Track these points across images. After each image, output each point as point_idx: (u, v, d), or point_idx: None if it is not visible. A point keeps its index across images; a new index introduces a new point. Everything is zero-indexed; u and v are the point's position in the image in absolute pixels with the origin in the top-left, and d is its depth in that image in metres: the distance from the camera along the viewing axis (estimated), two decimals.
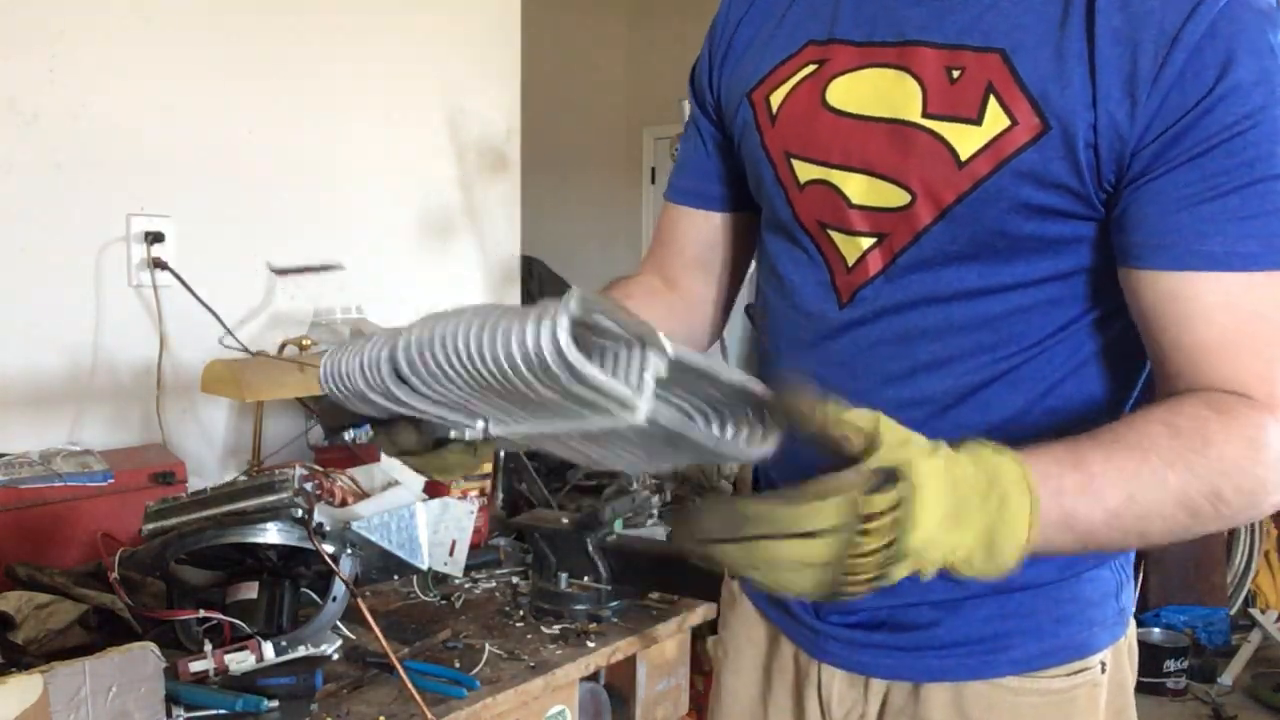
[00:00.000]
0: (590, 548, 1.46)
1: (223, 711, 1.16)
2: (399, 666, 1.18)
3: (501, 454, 1.92)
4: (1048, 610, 0.86)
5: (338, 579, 1.30)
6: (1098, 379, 0.83)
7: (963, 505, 0.60)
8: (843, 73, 0.85)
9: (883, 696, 0.91)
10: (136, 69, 1.89)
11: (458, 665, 1.31)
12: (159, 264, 1.89)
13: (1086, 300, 0.81)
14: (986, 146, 0.76)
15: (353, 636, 1.37)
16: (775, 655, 0.99)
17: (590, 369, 0.55)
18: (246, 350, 1.97)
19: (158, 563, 1.30)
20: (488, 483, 1.82)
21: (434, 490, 1.62)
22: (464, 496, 1.73)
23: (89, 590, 1.35)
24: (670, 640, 1.54)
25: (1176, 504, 0.67)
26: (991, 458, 0.63)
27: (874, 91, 0.82)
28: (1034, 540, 0.62)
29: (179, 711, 1.14)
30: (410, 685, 1.16)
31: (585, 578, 1.47)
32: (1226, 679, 3.17)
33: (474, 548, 1.62)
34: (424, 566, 1.45)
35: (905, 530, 0.58)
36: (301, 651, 1.28)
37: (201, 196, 1.98)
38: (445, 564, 1.51)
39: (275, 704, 1.17)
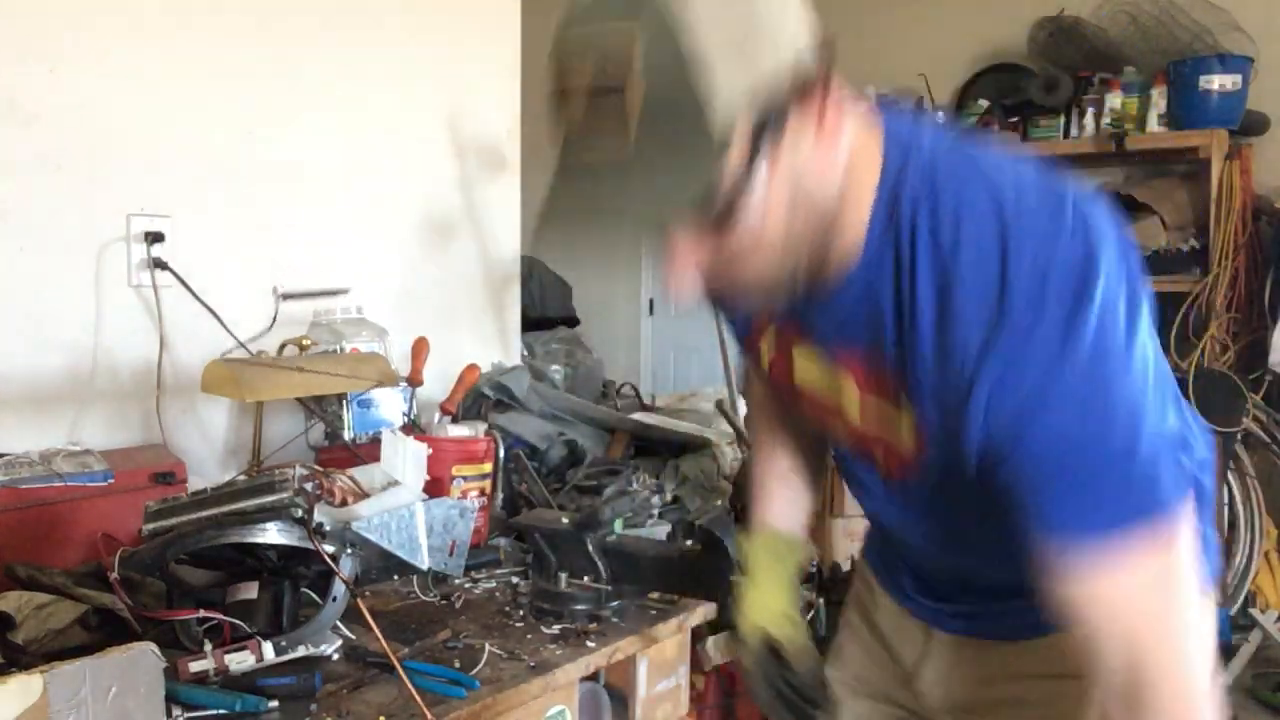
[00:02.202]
0: (590, 548, 1.46)
1: (223, 711, 1.16)
2: (399, 666, 1.18)
3: (502, 453, 1.92)
4: None
5: (338, 579, 1.30)
6: None
7: None
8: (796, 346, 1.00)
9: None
10: (136, 69, 1.89)
11: (458, 665, 1.31)
12: (159, 264, 1.89)
13: None
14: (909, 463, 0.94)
15: (353, 636, 1.37)
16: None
17: None
18: (247, 350, 1.97)
19: (158, 563, 1.30)
20: (488, 483, 1.82)
21: (434, 490, 1.62)
22: (464, 496, 1.73)
23: (89, 590, 1.35)
24: (670, 640, 1.54)
25: None
26: None
27: (823, 388, 0.99)
28: None
29: (179, 711, 1.14)
30: (410, 685, 1.16)
31: (585, 578, 1.47)
32: (1226, 679, 3.17)
33: (474, 548, 1.62)
34: (424, 566, 1.45)
35: None
36: (301, 651, 1.27)
37: (201, 196, 1.98)
38: (445, 564, 1.51)
39: (275, 704, 1.17)
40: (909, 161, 0.85)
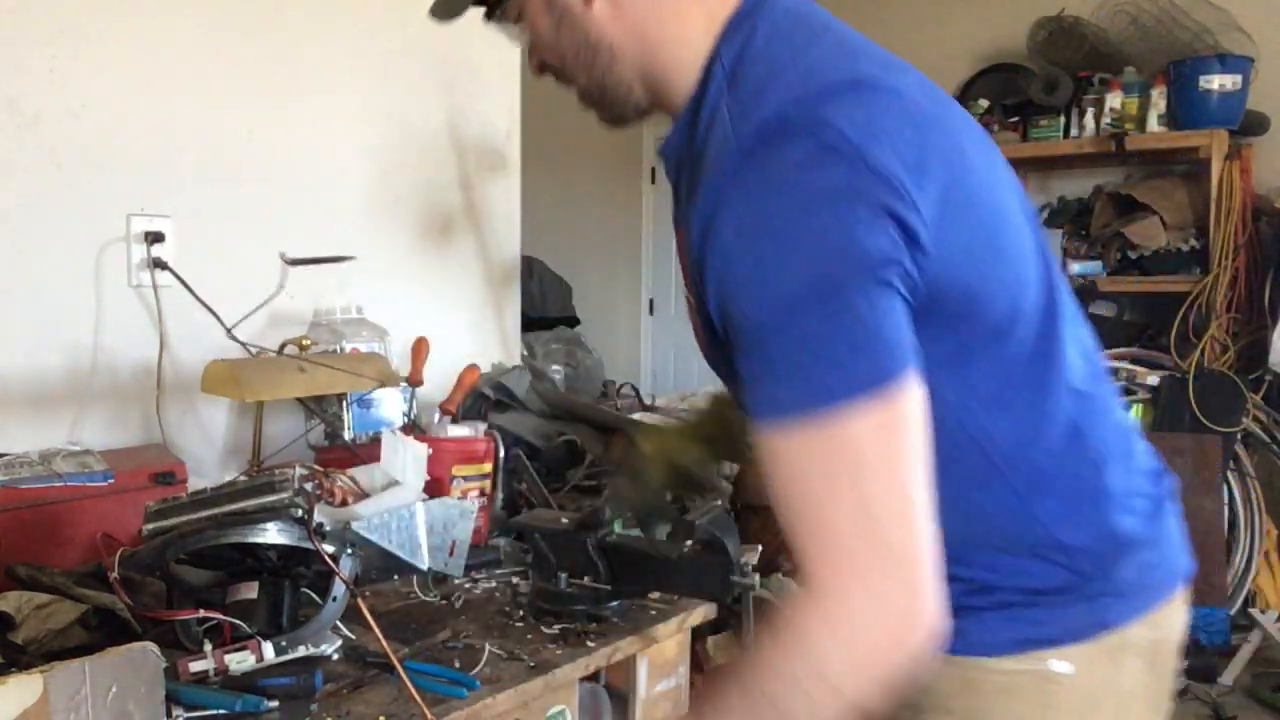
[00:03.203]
0: (590, 548, 1.46)
1: (223, 711, 1.16)
2: (399, 666, 1.18)
3: (502, 453, 1.92)
4: None
5: (338, 579, 1.30)
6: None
7: None
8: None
9: None
10: (136, 69, 1.89)
11: (458, 665, 1.31)
12: (159, 264, 1.89)
13: None
14: None
15: (353, 636, 1.37)
16: None
17: None
18: (247, 350, 1.97)
19: (158, 563, 1.30)
20: (488, 483, 1.82)
21: (434, 490, 1.62)
22: (464, 496, 1.73)
23: (89, 590, 1.35)
24: (670, 640, 1.54)
25: None
26: None
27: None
28: None
29: (179, 711, 1.14)
30: (410, 685, 1.16)
31: (585, 578, 1.47)
32: (1226, 679, 3.17)
33: (474, 548, 1.61)
34: (424, 566, 1.45)
35: None
36: (301, 651, 1.27)
37: (201, 196, 1.98)
38: (445, 564, 1.51)
39: (275, 704, 1.17)
40: (747, 45, 0.88)
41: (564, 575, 1.47)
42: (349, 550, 1.33)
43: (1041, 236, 0.96)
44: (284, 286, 2.10)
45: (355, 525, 1.35)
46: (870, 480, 0.77)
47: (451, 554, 1.50)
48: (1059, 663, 0.93)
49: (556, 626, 1.44)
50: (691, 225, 0.85)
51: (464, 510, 1.51)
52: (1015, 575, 0.94)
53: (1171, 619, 1.00)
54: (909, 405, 0.79)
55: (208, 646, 1.23)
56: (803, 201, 0.78)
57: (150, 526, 1.33)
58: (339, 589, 1.31)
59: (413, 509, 1.43)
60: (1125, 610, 0.95)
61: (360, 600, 1.26)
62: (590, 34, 0.94)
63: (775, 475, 0.80)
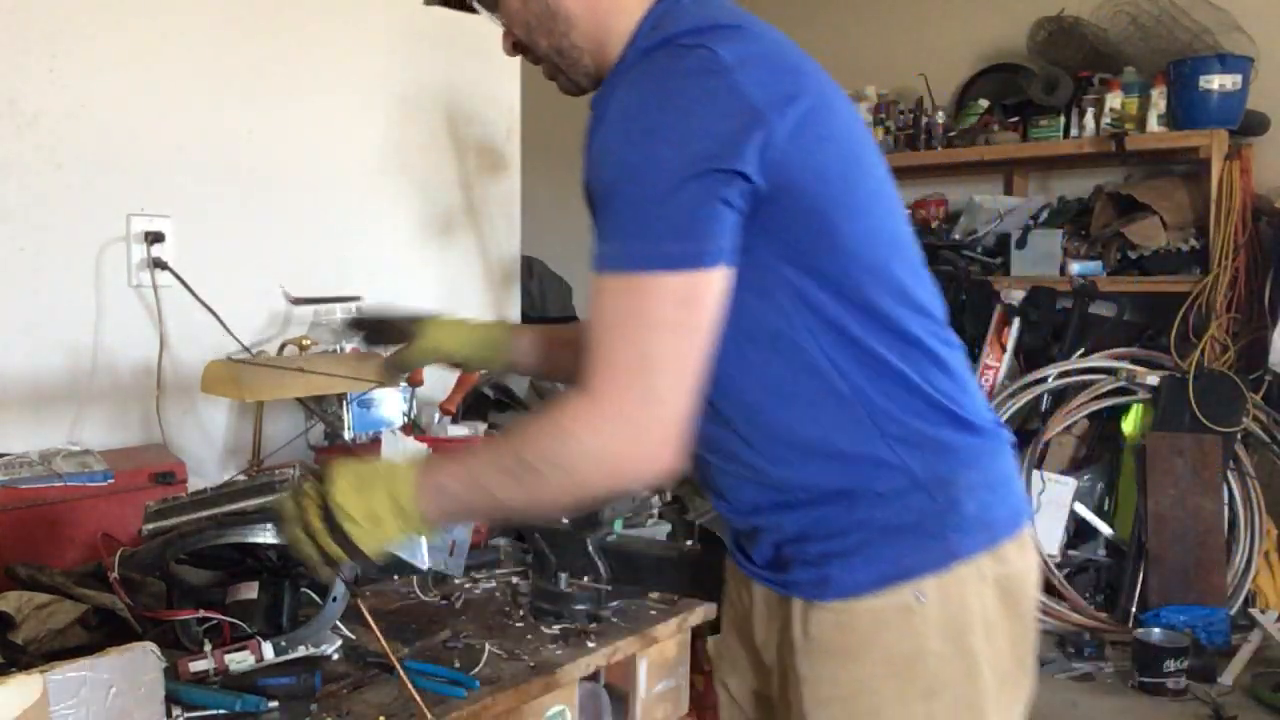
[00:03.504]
0: (590, 548, 1.46)
1: (223, 711, 1.16)
2: (399, 666, 1.18)
3: None
4: None
5: (338, 579, 1.30)
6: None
7: (364, 480, 1.01)
8: None
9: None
10: (136, 69, 1.89)
11: (458, 665, 1.31)
12: (159, 264, 1.89)
13: None
14: None
15: (353, 636, 1.37)
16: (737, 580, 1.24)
17: None
18: (247, 350, 1.97)
19: (158, 563, 1.30)
20: None
21: None
22: None
23: (89, 590, 1.35)
24: (670, 640, 1.54)
25: (496, 469, 0.98)
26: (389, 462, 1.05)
27: None
28: (422, 499, 0.99)
29: (179, 711, 1.14)
30: (410, 685, 1.16)
31: (585, 578, 1.47)
32: (1226, 679, 3.17)
33: (474, 548, 1.62)
34: (424, 566, 1.45)
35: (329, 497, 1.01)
36: (301, 651, 1.28)
37: (201, 196, 1.98)
38: (445, 564, 1.51)
39: (275, 704, 1.17)
40: (672, 8, 1.04)
41: (564, 575, 1.47)
42: None
43: (900, 203, 1.10)
44: (273, 295, 2.10)
45: None
46: (655, 335, 0.93)
47: (451, 554, 1.50)
48: (919, 593, 1.03)
49: (556, 626, 1.44)
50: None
51: None
52: (859, 480, 1.03)
53: (1022, 556, 1.09)
54: (707, 294, 0.94)
55: (208, 646, 1.23)
56: (672, 100, 0.93)
57: (150, 526, 1.33)
58: (339, 589, 1.31)
59: None
60: (971, 544, 1.04)
61: (360, 600, 1.26)
62: (550, 2, 1.09)
63: (591, 308, 0.96)
